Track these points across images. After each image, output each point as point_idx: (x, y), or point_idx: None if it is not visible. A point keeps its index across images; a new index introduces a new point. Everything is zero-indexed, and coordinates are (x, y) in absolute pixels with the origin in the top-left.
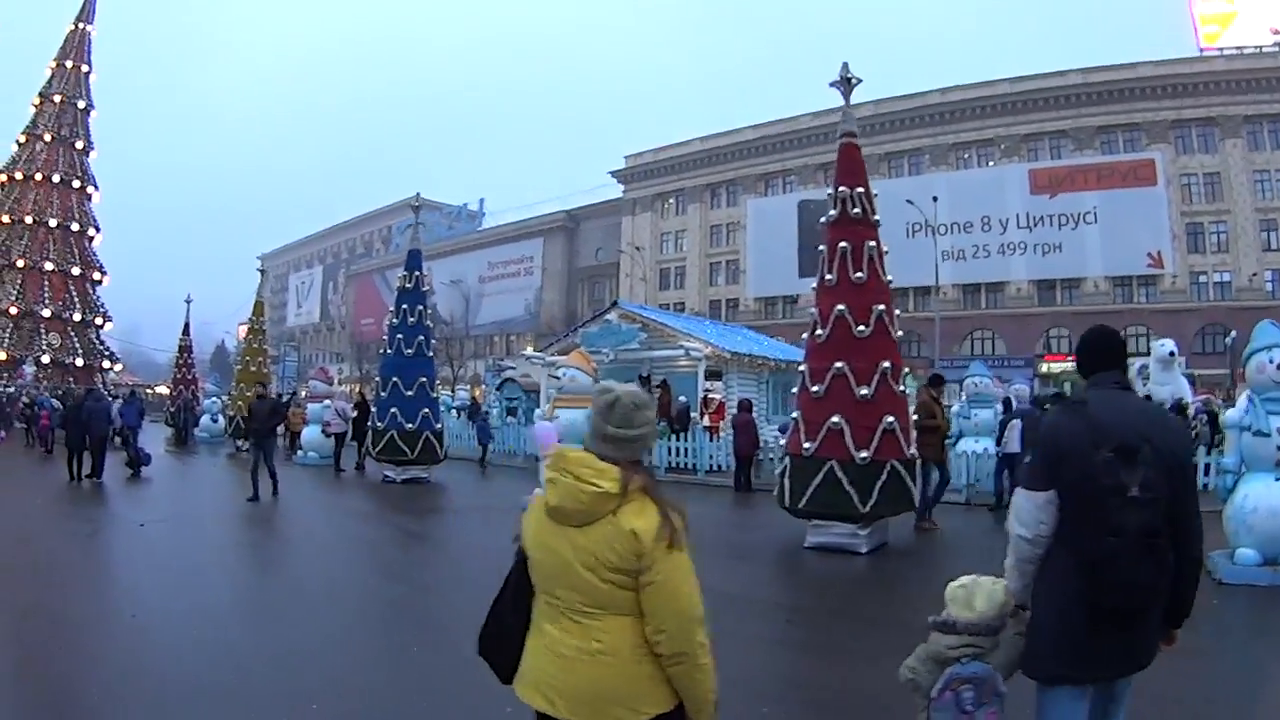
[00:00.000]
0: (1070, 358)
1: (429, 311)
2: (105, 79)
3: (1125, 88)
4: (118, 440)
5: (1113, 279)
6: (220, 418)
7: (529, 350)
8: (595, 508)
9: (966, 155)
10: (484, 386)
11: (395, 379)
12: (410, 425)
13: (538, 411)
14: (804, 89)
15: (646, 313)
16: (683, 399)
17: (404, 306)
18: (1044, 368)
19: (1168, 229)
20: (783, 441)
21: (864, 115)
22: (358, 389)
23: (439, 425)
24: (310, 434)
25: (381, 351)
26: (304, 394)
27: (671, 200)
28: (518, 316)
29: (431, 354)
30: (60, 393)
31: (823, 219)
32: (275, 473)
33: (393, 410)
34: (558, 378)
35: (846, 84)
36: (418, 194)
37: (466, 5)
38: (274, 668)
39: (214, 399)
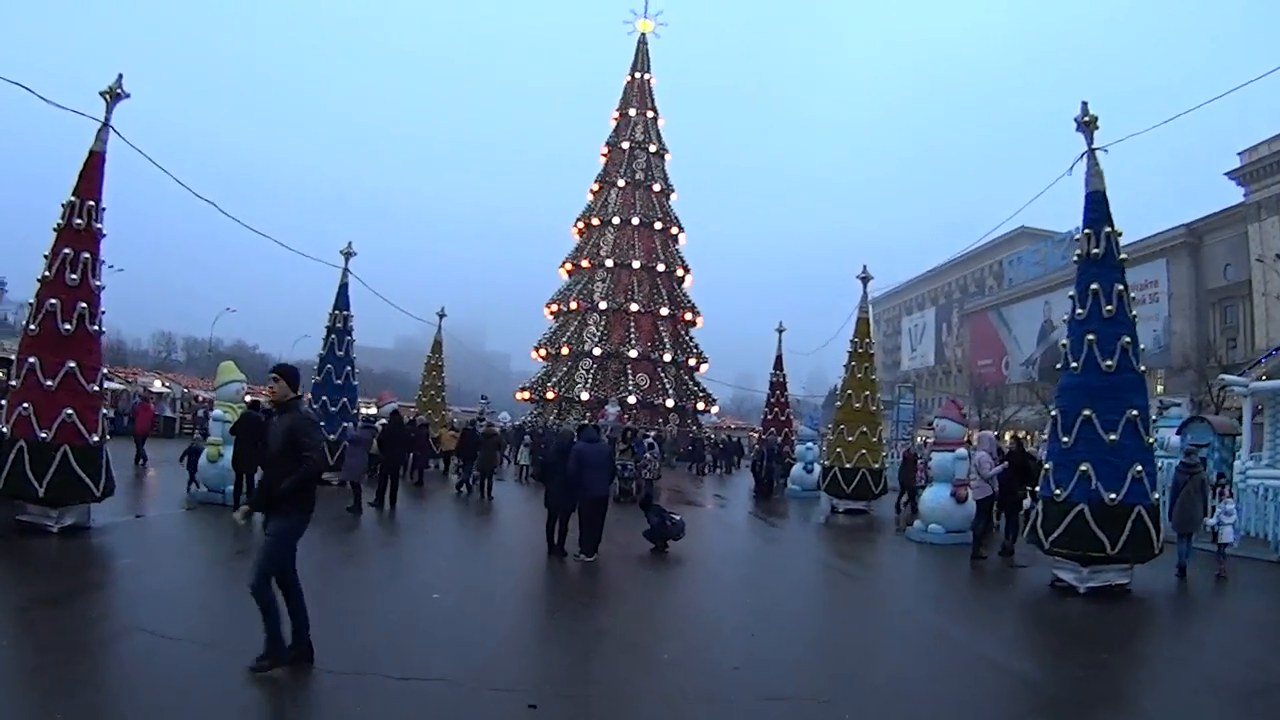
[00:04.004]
0: None
1: (1131, 295)
2: (731, 149)
3: None
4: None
5: None
6: (815, 467)
7: (1162, 387)
8: None
9: None
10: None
11: (1087, 412)
12: (1113, 496)
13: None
14: None
15: None
16: None
17: (1091, 286)
18: None
19: None
20: None
21: None
22: (1005, 435)
23: (1155, 496)
24: (934, 498)
25: (1057, 366)
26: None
27: None
28: (1146, 350)
29: (1144, 370)
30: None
31: None
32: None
33: (1082, 468)
34: None
35: None
36: (1085, 103)
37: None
38: None
39: (808, 445)
